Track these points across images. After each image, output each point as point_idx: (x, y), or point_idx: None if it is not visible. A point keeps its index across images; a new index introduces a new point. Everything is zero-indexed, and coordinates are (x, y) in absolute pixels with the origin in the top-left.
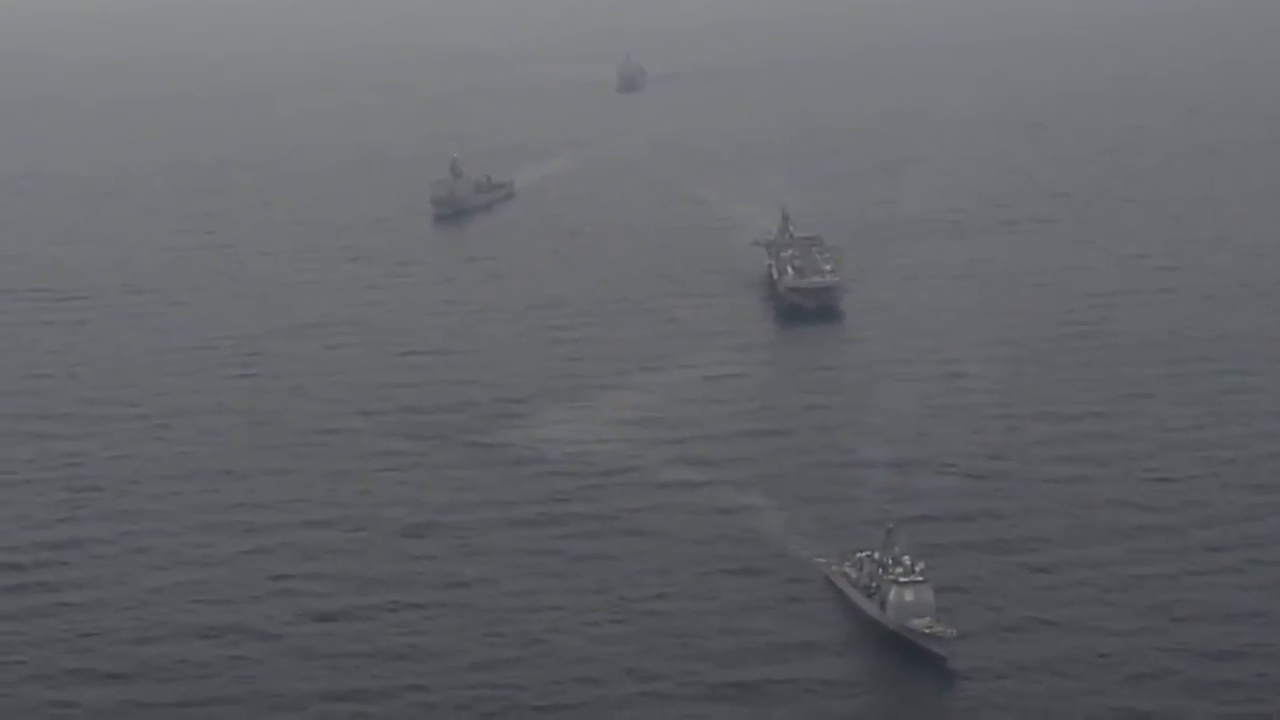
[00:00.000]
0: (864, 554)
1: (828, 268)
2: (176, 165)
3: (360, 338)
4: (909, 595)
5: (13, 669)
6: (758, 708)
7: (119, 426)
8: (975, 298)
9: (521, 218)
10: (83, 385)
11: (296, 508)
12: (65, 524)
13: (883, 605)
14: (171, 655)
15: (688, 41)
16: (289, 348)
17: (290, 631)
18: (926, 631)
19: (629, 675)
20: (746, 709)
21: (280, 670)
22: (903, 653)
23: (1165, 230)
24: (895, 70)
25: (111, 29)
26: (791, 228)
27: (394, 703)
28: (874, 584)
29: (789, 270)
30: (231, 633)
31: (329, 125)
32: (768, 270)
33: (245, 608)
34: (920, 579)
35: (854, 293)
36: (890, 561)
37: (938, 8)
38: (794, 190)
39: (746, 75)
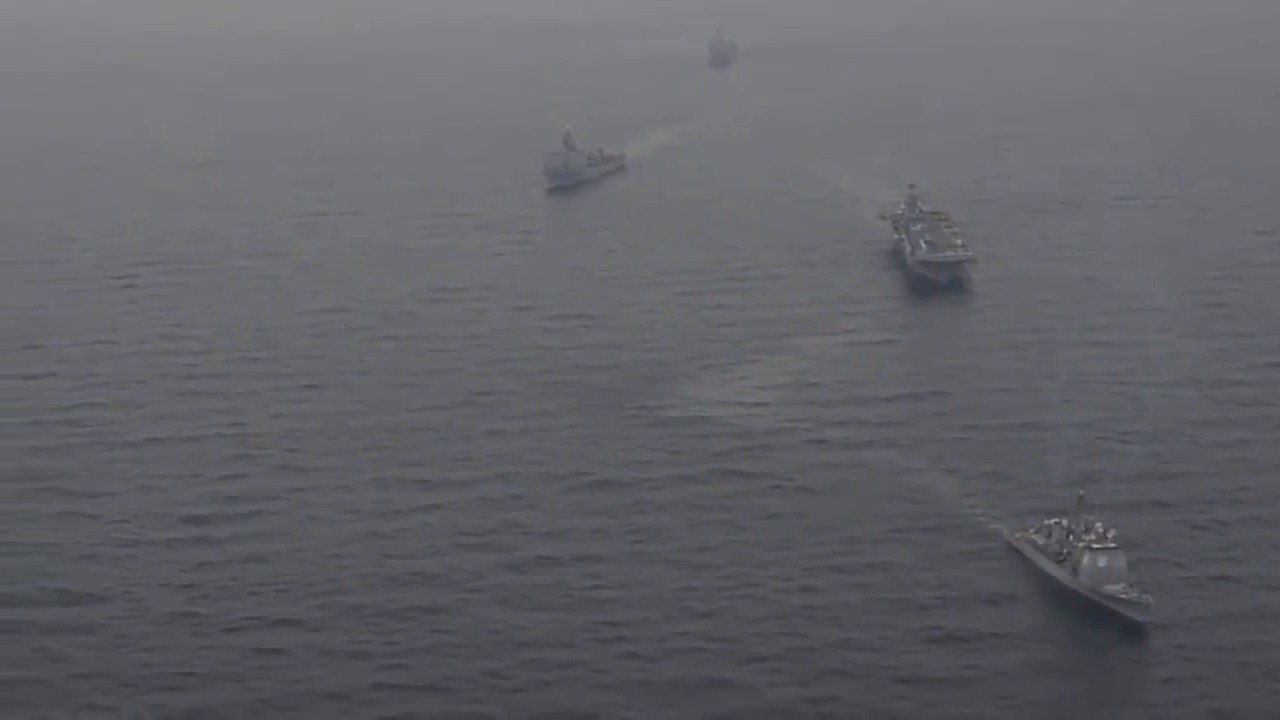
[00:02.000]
0: (1052, 521)
1: (958, 242)
2: (280, 136)
3: (499, 303)
4: (1102, 561)
5: (216, 618)
6: (965, 656)
7: (272, 386)
8: (1101, 270)
9: (635, 190)
10: (230, 348)
11: (466, 465)
12: (239, 480)
13: (1075, 571)
14: (369, 605)
15: (776, 16)
16: (430, 311)
17: (484, 583)
18: (1123, 597)
19: (831, 624)
20: (954, 657)
21: (482, 619)
22: (1097, 611)
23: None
24: (982, 44)
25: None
26: (920, 203)
27: (602, 650)
28: (1064, 550)
29: (921, 244)
30: (422, 584)
31: (425, 96)
32: (895, 244)
33: (434, 559)
34: (1114, 545)
35: (981, 266)
36: (1081, 528)
37: None
38: (901, 165)
39: (835, 50)
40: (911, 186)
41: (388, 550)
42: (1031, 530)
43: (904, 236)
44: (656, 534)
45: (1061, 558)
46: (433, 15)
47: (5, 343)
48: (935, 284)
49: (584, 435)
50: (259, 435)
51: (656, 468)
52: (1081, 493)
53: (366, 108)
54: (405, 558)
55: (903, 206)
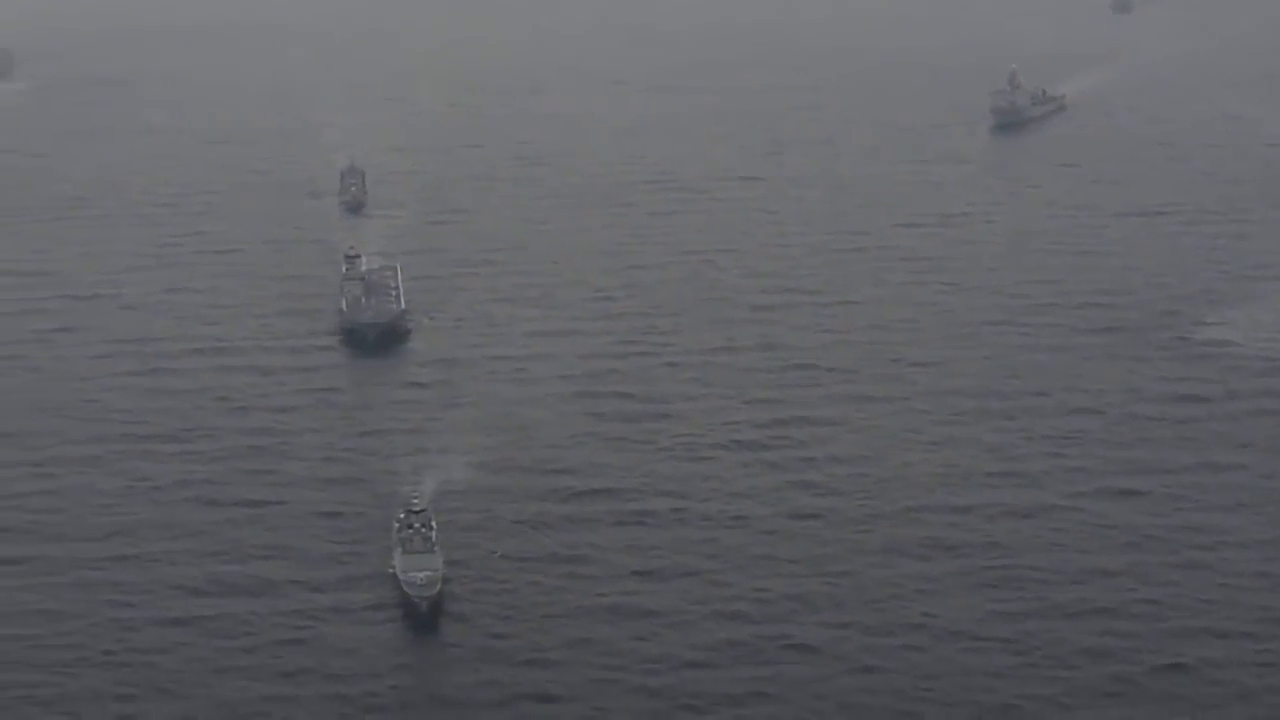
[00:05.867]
0: None
1: None
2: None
3: (977, 234)
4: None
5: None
6: None
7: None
8: None
9: (1081, 129)
10: (750, 277)
11: (991, 394)
12: (788, 404)
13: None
14: (955, 524)
15: None
16: (917, 244)
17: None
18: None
19: None
20: None
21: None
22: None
23: None
24: None
25: None
26: None
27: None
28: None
29: None
30: (1009, 514)
31: (848, 31)
32: None
33: (1032, 492)
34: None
35: None
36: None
37: None
38: None
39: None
40: None
41: (942, 473)
42: None
43: None
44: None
45: None
46: None
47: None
48: None
49: (1117, 368)
50: (798, 360)
51: (1189, 405)
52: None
53: (798, 42)
54: (957, 480)
55: None
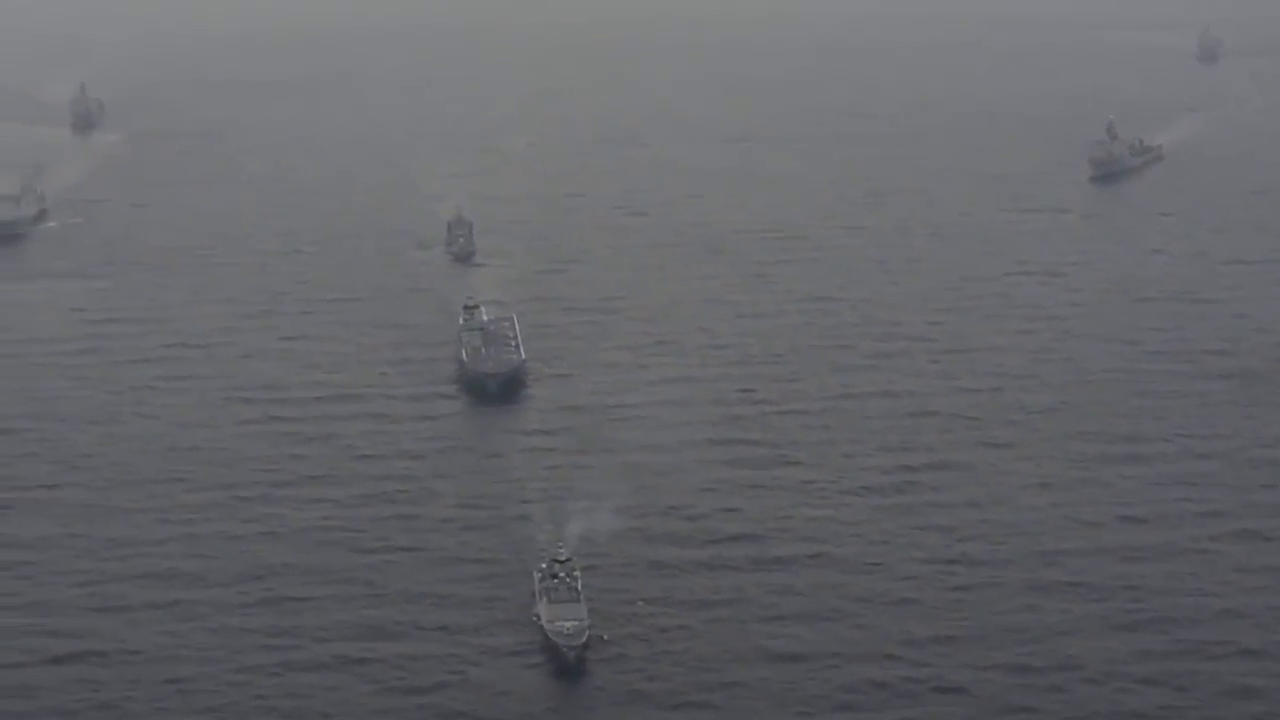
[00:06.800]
0: None
1: None
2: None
3: (1087, 282)
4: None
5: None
6: None
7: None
8: None
9: (1177, 179)
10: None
11: (1115, 439)
12: (913, 450)
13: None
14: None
15: (1258, 14)
16: (1027, 292)
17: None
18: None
19: None
20: None
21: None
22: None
23: None
24: None
25: None
26: None
27: None
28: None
29: None
30: (1144, 557)
31: (937, 82)
32: None
33: (1164, 534)
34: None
35: None
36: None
37: None
38: None
39: None
40: None
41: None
42: None
43: None
44: None
45: None
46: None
47: None
48: None
49: (1244, 411)
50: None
51: None
52: None
53: (887, 92)
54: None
55: None
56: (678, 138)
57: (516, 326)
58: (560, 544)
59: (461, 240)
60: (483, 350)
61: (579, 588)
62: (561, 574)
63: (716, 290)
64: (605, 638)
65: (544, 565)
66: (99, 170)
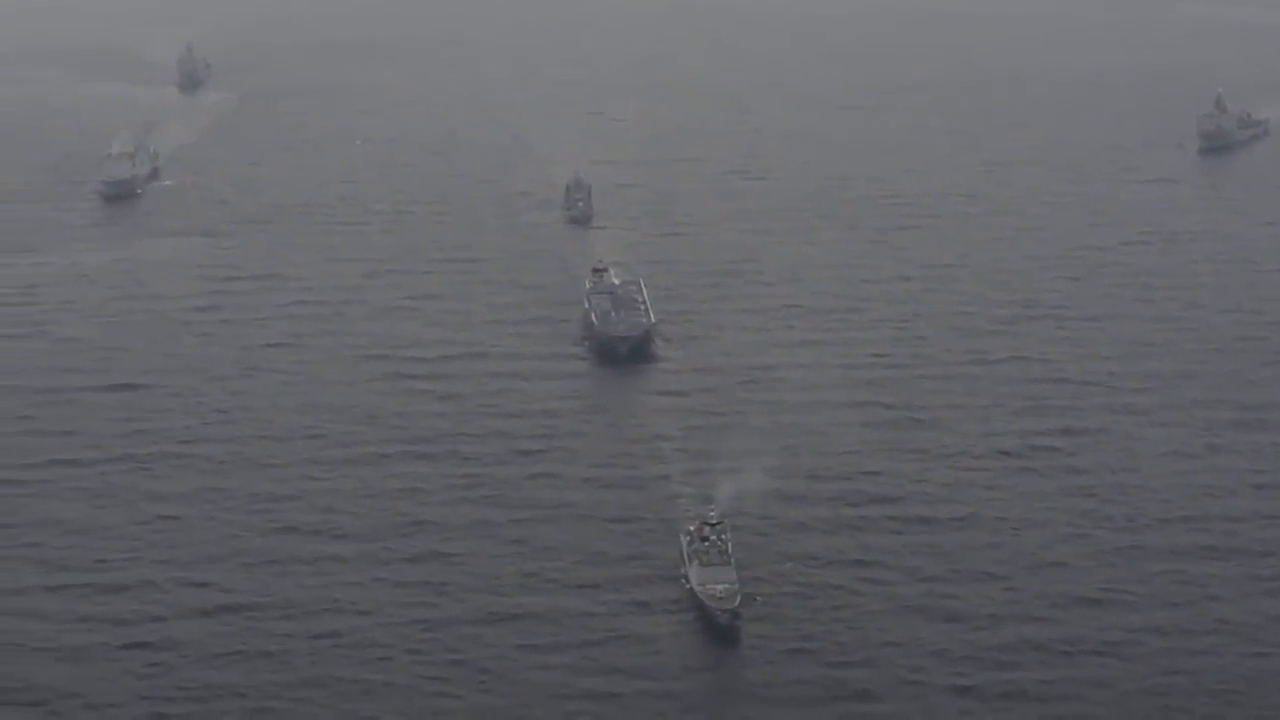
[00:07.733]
0: None
1: None
2: (924, 85)
3: (1205, 252)
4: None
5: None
6: None
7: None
8: None
9: None
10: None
11: (1245, 407)
12: (1049, 414)
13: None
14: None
15: None
16: (1148, 260)
17: None
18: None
19: None
20: None
21: None
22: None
23: None
24: None
25: None
26: None
27: None
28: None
29: None
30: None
31: (1045, 54)
32: None
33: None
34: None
35: None
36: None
37: None
38: None
39: None
40: None
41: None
42: None
43: None
44: None
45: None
46: None
47: None
48: None
49: None
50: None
51: None
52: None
53: (999, 61)
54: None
55: None
56: (785, 104)
57: (644, 290)
58: (711, 506)
59: (580, 203)
60: (613, 314)
61: (729, 550)
62: (712, 536)
63: (837, 256)
64: (759, 599)
65: (692, 528)
66: (209, 130)
